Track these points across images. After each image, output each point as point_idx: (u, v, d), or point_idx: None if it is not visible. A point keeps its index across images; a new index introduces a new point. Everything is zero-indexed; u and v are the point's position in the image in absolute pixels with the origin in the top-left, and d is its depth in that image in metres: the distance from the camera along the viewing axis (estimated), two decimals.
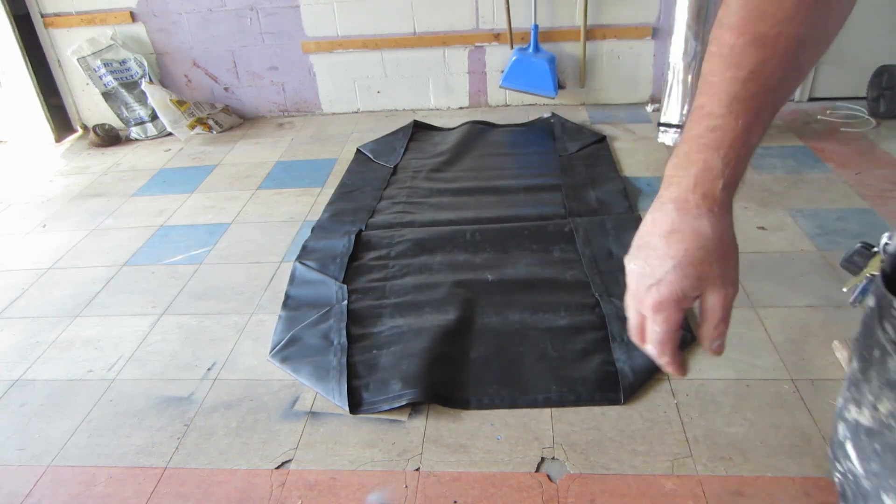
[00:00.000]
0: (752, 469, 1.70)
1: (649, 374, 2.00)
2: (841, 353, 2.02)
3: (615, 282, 2.44)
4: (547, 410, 1.93)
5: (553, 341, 2.17)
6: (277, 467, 1.81)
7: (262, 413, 2.01)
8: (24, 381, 2.24)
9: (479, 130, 3.99)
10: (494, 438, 1.85)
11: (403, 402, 1.96)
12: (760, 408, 1.88)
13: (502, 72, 4.20)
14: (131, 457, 1.89)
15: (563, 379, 2.01)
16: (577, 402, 1.94)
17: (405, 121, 4.22)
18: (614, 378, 2.00)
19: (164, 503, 1.74)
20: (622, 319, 2.21)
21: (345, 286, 2.51)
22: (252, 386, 2.12)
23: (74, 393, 2.16)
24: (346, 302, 2.42)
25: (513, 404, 1.95)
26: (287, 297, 2.54)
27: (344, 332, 2.26)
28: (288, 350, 2.24)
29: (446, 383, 2.02)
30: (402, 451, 1.83)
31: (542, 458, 1.78)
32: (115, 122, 4.52)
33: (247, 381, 2.15)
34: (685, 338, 2.12)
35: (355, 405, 1.99)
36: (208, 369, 2.21)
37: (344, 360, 2.14)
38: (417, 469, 1.78)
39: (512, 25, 4.10)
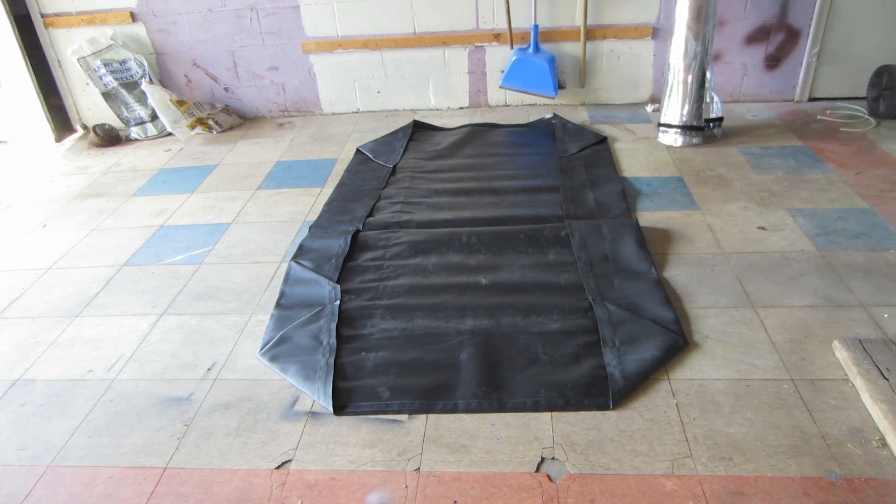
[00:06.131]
0: (752, 469, 1.70)
1: (640, 380, 2.00)
2: (841, 354, 2.02)
3: (609, 286, 2.44)
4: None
5: (544, 345, 2.17)
6: (277, 467, 1.82)
7: (262, 413, 2.01)
8: (24, 381, 2.24)
9: (479, 131, 4.00)
10: (494, 438, 1.85)
11: (388, 414, 1.96)
12: (760, 408, 1.88)
13: (502, 72, 4.20)
14: (131, 457, 1.89)
15: (553, 383, 2.00)
16: (566, 407, 1.93)
17: (405, 121, 4.22)
18: (604, 383, 1.99)
19: (164, 503, 1.74)
20: (614, 324, 2.20)
21: (338, 286, 2.51)
22: (252, 386, 2.12)
23: (74, 393, 2.16)
24: (338, 302, 2.42)
25: (500, 408, 1.94)
26: (280, 295, 2.54)
27: (333, 333, 2.26)
28: (277, 349, 2.24)
29: (434, 389, 2.02)
30: (402, 451, 1.83)
31: (542, 458, 1.78)
32: (115, 122, 4.52)
33: (247, 381, 2.15)
34: (678, 343, 2.12)
35: (340, 407, 1.99)
36: (208, 369, 2.21)
37: (332, 360, 2.14)
38: (417, 469, 1.78)
39: (512, 25, 4.10)
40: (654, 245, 2.71)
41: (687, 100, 3.52)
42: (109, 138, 4.38)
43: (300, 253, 2.80)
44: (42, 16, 4.35)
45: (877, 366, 1.93)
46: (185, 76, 4.52)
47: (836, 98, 4.10)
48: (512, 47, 4.16)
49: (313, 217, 3.16)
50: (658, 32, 4.07)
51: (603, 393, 1.95)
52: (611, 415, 1.90)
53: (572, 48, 4.17)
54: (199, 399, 2.08)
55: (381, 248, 2.79)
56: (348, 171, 3.63)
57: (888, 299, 2.30)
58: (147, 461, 1.87)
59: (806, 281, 2.43)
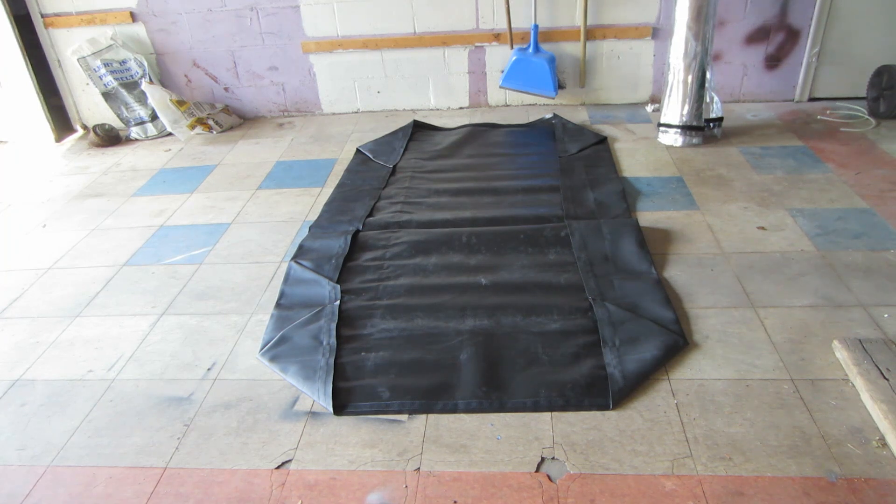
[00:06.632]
0: (752, 469, 1.70)
1: (640, 380, 2.00)
2: (841, 354, 2.02)
3: (609, 286, 2.44)
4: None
5: (544, 345, 2.17)
6: (277, 467, 1.82)
7: (262, 413, 2.01)
8: (24, 381, 2.24)
9: (479, 131, 4.00)
10: (494, 438, 1.85)
11: (388, 414, 1.96)
12: (760, 408, 1.88)
13: (502, 72, 4.20)
14: (131, 457, 1.89)
15: (553, 383, 2.00)
16: (566, 407, 1.93)
17: (405, 121, 4.22)
18: (604, 383, 1.99)
19: (164, 503, 1.74)
20: (614, 324, 2.20)
21: (338, 286, 2.51)
22: (252, 386, 2.12)
23: (74, 393, 2.16)
24: (338, 302, 2.42)
25: (500, 408, 1.94)
26: (280, 295, 2.54)
27: (333, 333, 2.26)
28: (277, 349, 2.24)
29: (434, 389, 2.02)
30: (402, 451, 1.84)
31: (542, 458, 1.78)
32: (115, 122, 4.52)
33: (247, 381, 2.15)
34: (678, 343, 2.12)
35: (340, 407, 1.99)
36: (208, 369, 2.21)
37: (332, 360, 2.14)
38: (417, 469, 1.78)
39: (512, 25, 4.10)
40: (654, 245, 2.71)
41: (687, 100, 3.52)
42: (109, 138, 4.38)
43: (300, 253, 2.80)
44: (42, 16, 4.35)
45: (877, 366, 1.93)
46: (185, 76, 4.52)
47: (836, 98, 4.10)
48: (512, 47, 4.16)
49: (313, 217, 3.16)
50: (658, 32, 4.07)
51: (603, 393, 1.95)
52: (611, 415, 1.90)
53: (572, 48, 4.17)
54: (199, 399, 2.08)
55: (381, 248, 2.79)
56: (348, 171, 3.63)
57: (888, 299, 2.30)
58: (147, 461, 1.87)
59: (806, 281, 2.43)
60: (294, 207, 3.29)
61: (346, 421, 1.95)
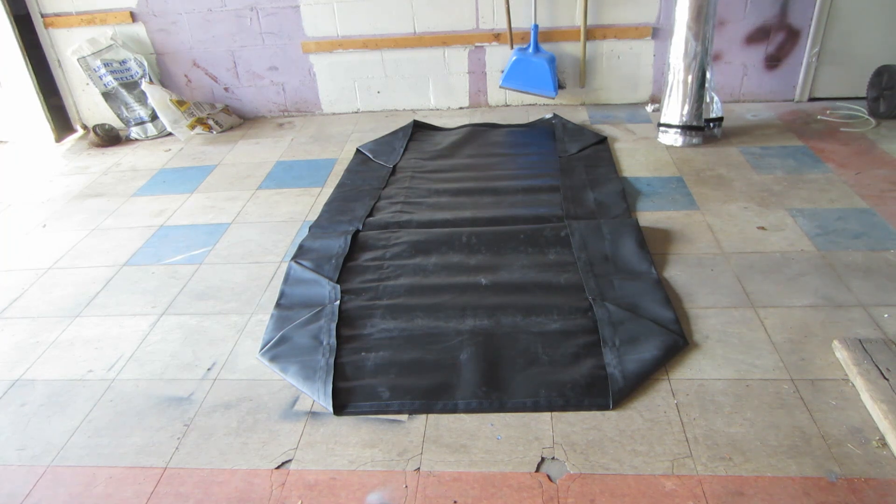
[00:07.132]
0: (752, 469, 1.70)
1: (640, 380, 2.00)
2: (841, 354, 2.02)
3: (610, 286, 2.44)
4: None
5: (544, 345, 2.16)
6: (277, 467, 1.82)
7: (262, 413, 2.01)
8: (24, 381, 2.24)
9: (479, 131, 4.00)
10: (494, 438, 1.85)
11: (388, 414, 1.96)
12: (760, 408, 1.88)
13: (502, 72, 4.20)
14: (131, 457, 1.89)
15: (553, 383, 2.00)
16: (566, 407, 1.93)
17: (405, 121, 4.22)
18: (604, 383, 1.99)
19: (164, 503, 1.74)
20: (614, 324, 2.20)
21: (338, 286, 2.51)
22: (252, 386, 2.12)
23: (74, 393, 2.16)
24: (338, 302, 2.42)
25: (500, 408, 1.94)
26: (280, 295, 2.54)
27: (333, 333, 2.26)
28: (277, 349, 2.24)
29: (434, 389, 2.02)
30: (402, 451, 1.84)
31: (542, 458, 1.78)
32: (115, 122, 4.52)
33: (247, 381, 2.15)
34: (678, 343, 2.12)
35: (340, 407, 1.99)
36: (208, 369, 2.21)
37: (332, 360, 2.14)
38: (417, 469, 1.78)
39: (512, 25, 4.10)
40: (654, 245, 2.71)
41: (687, 100, 3.52)
42: (109, 138, 4.38)
43: (300, 253, 2.80)
44: (42, 16, 4.35)
45: (877, 366, 1.93)
46: (185, 76, 4.52)
47: (836, 98, 4.10)
48: (512, 47, 4.16)
49: (313, 217, 3.17)
50: (658, 32, 4.07)
51: (603, 393, 1.95)
52: (611, 415, 1.90)
53: (572, 48, 4.17)
54: (199, 399, 2.08)
55: (381, 248, 2.79)
56: (348, 171, 3.63)
57: (888, 299, 2.30)
58: (147, 461, 1.87)
59: (806, 281, 2.43)
60: (294, 207, 3.29)
61: (346, 421, 1.95)
